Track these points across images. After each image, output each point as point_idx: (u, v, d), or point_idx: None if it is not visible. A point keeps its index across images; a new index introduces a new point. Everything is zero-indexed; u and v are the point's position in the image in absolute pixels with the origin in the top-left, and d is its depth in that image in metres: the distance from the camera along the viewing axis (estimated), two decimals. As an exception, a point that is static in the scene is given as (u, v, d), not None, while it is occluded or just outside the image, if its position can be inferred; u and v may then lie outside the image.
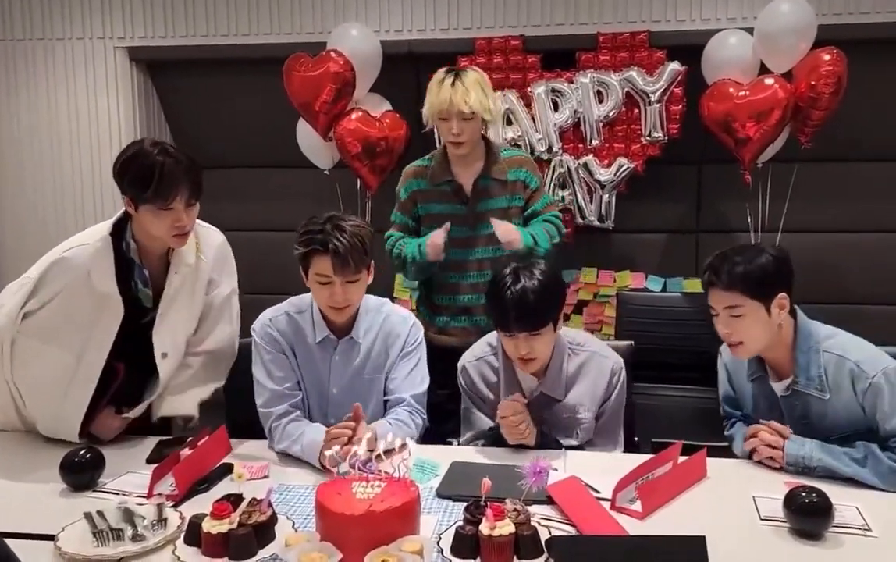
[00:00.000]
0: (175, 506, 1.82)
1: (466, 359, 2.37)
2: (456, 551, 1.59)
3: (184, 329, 2.32)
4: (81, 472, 1.95)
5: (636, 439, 2.52)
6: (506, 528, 1.55)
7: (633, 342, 2.59)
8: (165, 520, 1.72)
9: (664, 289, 4.07)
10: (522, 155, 2.99)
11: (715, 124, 3.65)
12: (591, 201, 3.92)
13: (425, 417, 2.30)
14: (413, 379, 2.29)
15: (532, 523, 1.61)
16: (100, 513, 1.71)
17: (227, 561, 1.59)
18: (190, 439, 2.11)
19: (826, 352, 2.01)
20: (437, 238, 2.69)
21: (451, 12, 4.07)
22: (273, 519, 1.69)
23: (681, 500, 1.89)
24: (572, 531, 1.72)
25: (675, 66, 3.75)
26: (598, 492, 1.88)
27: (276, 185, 4.49)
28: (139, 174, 2.05)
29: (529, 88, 3.89)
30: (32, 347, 2.18)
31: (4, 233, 4.63)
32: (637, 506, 1.81)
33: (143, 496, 1.88)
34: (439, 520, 1.78)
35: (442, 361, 2.44)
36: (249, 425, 2.26)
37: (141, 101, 4.48)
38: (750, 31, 3.64)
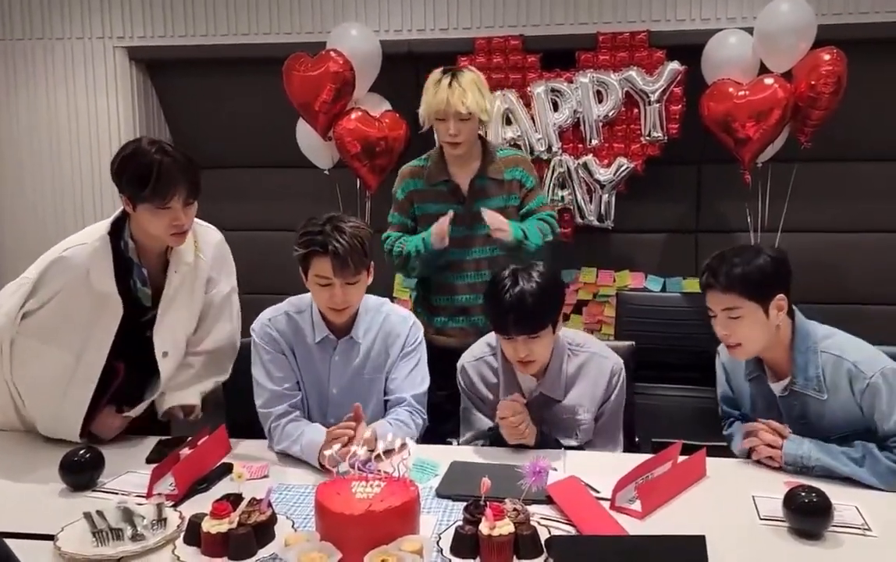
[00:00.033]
0: (175, 506, 1.82)
1: (466, 359, 2.37)
2: (455, 550, 1.59)
3: (184, 328, 2.32)
4: (81, 472, 1.95)
5: (637, 439, 2.52)
6: (505, 528, 1.55)
7: (633, 343, 2.59)
8: (165, 520, 1.72)
9: (664, 289, 4.07)
10: (519, 154, 2.99)
11: (714, 124, 3.65)
12: (591, 201, 3.92)
13: (425, 417, 2.30)
14: (413, 379, 2.29)
15: (531, 523, 1.61)
16: (99, 513, 1.71)
17: (226, 561, 1.59)
18: (189, 438, 2.11)
19: (824, 352, 2.01)
20: (442, 223, 2.68)
21: (450, 12, 4.08)
22: (273, 519, 1.69)
23: (680, 499, 1.89)
24: (572, 531, 1.72)
25: (674, 65, 3.75)
26: (598, 492, 1.88)
27: (276, 185, 4.49)
28: (137, 173, 2.04)
29: (529, 88, 3.89)
30: (32, 347, 2.18)
31: (4, 233, 4.63)
32: (637, 506, 1.81)
33: (143, 496, 1.87)
34: (439, 520, 1.78)
35: (440, 361, 2.43)
36: (249, 425, 2.26)
37: (140, 101, 4.48)
38: (750, 30, 3.65)
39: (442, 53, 3.73)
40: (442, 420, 2.45)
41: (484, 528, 1.56)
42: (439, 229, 2.68)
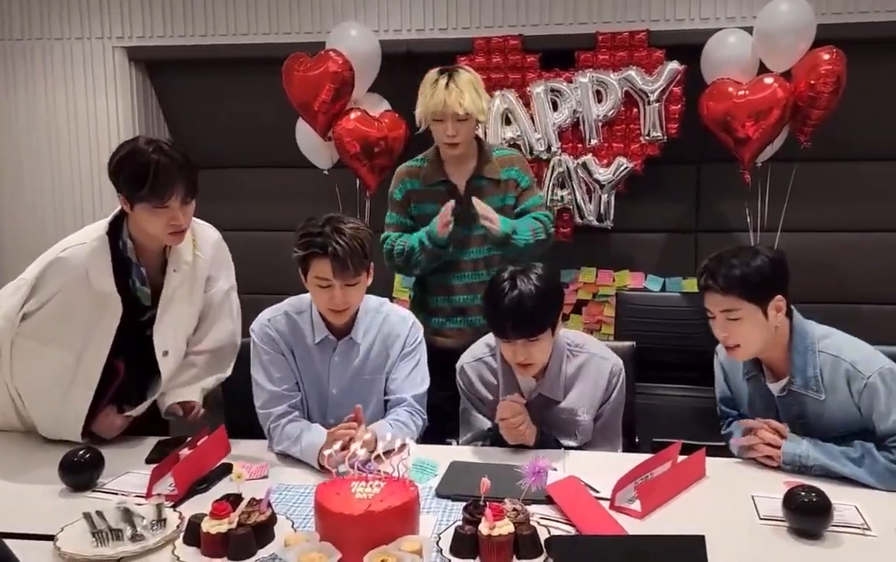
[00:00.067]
0: (174, 506, 1.82)
1: (465, 359, 2.37)
2: (455, 550, 1.59)
3: (184, 327, 2.32)
4: (80, 472, 1.95)
5: (637, 439, 2.52)
6: (505, 528, 1.55)
7: (634, 343, 2.59)
8: (165, 520, 1.72)
9: (663, 288, 4.07)
10: (514, 154, 2.99)
11: (714, 124, 3.65)
12: (591, 201, 3.92)
13: (425, 417, 2.30)
14: (413, 379, 2.29)
15: (531, 523, 1.61)
16: (99, 513, 1.71)
17: (226, 561, 1.59)
18: (189, 439, 2.11)
19: (822, 352, 2.01)
20: (445, 210, 2.66)
21: (449, 12, 4.07)
22: (272, 519, 1.69)
23: (680, 499, 1.89)
24: (571, 531, 1.71)
25: (674, 65, 3.75)
26: (598, 492, 1.88)
27: (275, 185, 4.49)
28: (134, 173, 2.03)
29: (528, 88, 3.89)
30: (32, 348, 2.18)
31: (3, 233, 4.63)
32: (636, 505, 1.81)
33: (143, 496, 1.87)
34: (438, 520, 1.78)
35: (438, 362, 2.42)
36: (249, 426, 2.25)
37: (139, 101, 4.48)
38: (749, 30, 3.65)
39: (441, 53, 3.72)
40: (441, 420, 2.45)
41: (483, 528, 1.56)
42: (444, 217, 2.66)
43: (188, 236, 2.21)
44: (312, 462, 2.06)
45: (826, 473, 1.94)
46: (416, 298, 2.97)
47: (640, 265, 4.17)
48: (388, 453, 1.73)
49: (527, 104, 3.90)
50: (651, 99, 3.77)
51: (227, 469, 2.00)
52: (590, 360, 2.28)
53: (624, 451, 2.31)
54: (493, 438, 2.24)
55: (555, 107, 3.90)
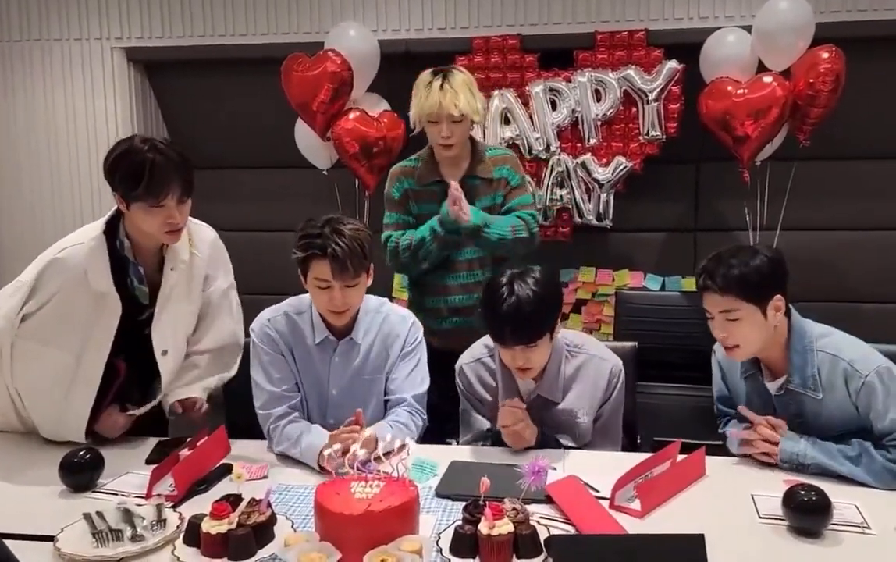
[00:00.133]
0: (174, 506, 1.82)
1: (464, 360, 2.36)
2: (455, 550, 1.59)
3: (183, 326, 2.32)
4: (80, 472, 1.95)
5: (639, 440, 2.52)
6: (505, 527, 1.55)
7: (636, 343, 2.59)
8: (164, 520, 1.72)
9: (663, 288, 4.07)
10: (507, 153, 2.98)
11: (713, 122, 3.65)
12: (590, 200, 3.92)
13: (426, 417, 2.30)
14: (413, 379, 2.29)
15: (531, 523, 1.61)
16: (99, 514, 1.71)
17: (226, 561, 1.59)
18: (189, 439, 2.11)
19: (820, 351, 2.01)
20: (452, 189, 2.63)
21: (448, 11, 4.07)
22: (272, 519, 1.69)
23: (680, 498, 1.89)
24: (571, 530, 1.72)
25: (672, 64, 3.75)
26: (597, 491, 1.88)
27: (275, 185, 4.49)
28: (129, 171, 2.03)
29: (527, 87, 3.89)
30: (32, 349, 2.18)
31: (1, 234, 4.63)
32: (636, 505, 1.81)
33: (143, 497, 1.88)
34: (438, 519, 1.78)
35: (437, 362, 2.41)
36: (249, 426, 2.25)
37: (138, 102, 4.47)
38: (748, 29, 3.65)
39: (440, 53, 3.72)
40: (441, 420, 2.44)
41: (483, 527, 1.56)
42: (453, 197, 2.62)
43: (184, 235, 2.21)
44: (312, 463, 2.06)
45: (824, 472, 1.94)
46: (411, 299, 2.96)
47: (640, 264, 4.17)
48: (387, 453, 1.74)
49: (525, 104, 3.90)
50: (650, 98, 3.77)
51: (227, 469, 2.00)
52: (589, 361, 2.27)
53: (625, 450, 2.30)
54: (493, 438, 2.24)
55: (553, 106, 3.90)
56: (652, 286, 4.07)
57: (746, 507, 1.82)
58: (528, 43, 3.93)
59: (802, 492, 1.70)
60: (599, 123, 3.86)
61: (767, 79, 3.54)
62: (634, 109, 3.82)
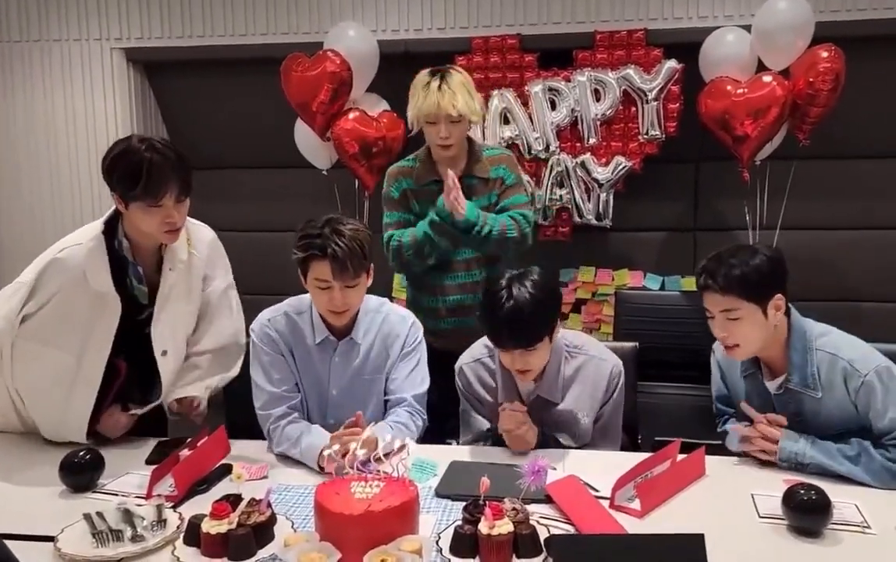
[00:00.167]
0: (174, 507, 1.82)
1: (463, 360, 2.36)
2: (455, 550, 1.59)
3: (182, 325, 2.32)
4: (81, 473, 1.95)
5: (639, 440, 2.52)
6: (504, 527, 1.55)
7: (637, 343, 2.59)
8: (165, 521, 1.72)
9: (662, 287, 4.07)
10: (504, 153, 2.98)
11: (712, 122, 3.65)
12: (589, 200, 3.92)
13: (425, 417, 2.30)
14: (413, 379, 2.29)
15: (531, 522, 1.61)
16: (99, 514, 1.71)
17: (226, 561, 1.59)
18: (189, 439, 2.11)
19: (819, 350, 2.01)
20: (448, 180, 2.62)
21: (447, 11, 4.07)
22: (272, 519, 1.70)
23: (679, 498, 1.89)
24: (571, 530, 1.72)
25: (672, 63, 3.75)
26: (597, 491, 1.88)
27: (275, 185, 4.49)
28: (127, 171, 2.03)
29: (526, 87, 3.89)
30: (32, 349, 2.18)
31: (1, 235, 4.62)
32: (636, 504, 1.81)
33: (143, 497, 1.88)
34: (438, 519, 1.78)
35: (436, 362, 2.41)
36: (249, 426, 2.25)
37: (138, 103, 4.47)
38: (747, 28, 3.65)
39: (439, 53, 3.72)
40: (441, 420, 2.44)
41: (483, 527, 1.56)
42: (448, 189, 2.60)
43: (183, 235, 2.21)
44: (312, 464, 2.06)
45: (823, 471, 1.94)
46: (409, 299, 2.96)
47: (639, 264, 4.17)
48: (387, 453, 1.74)
49: (525, 103, 3.90)
50: (649, 98, 3.77)
51: (226, 470, 2.00)
52: (588, 362, 2.27)
53: (626, 450, 2.30)
54: (493, 438, 2.24)
55: (553, 106, 3.90)
56: (651, 286, 4.07)
57: (746, 506, 1.82)
58: (527, 43, 3.93)
59: (802, 491, 1.70)
60: (599, 123, 3.86)
61: (767, 78, 3.54)
62: (634, 109, 3.82)
